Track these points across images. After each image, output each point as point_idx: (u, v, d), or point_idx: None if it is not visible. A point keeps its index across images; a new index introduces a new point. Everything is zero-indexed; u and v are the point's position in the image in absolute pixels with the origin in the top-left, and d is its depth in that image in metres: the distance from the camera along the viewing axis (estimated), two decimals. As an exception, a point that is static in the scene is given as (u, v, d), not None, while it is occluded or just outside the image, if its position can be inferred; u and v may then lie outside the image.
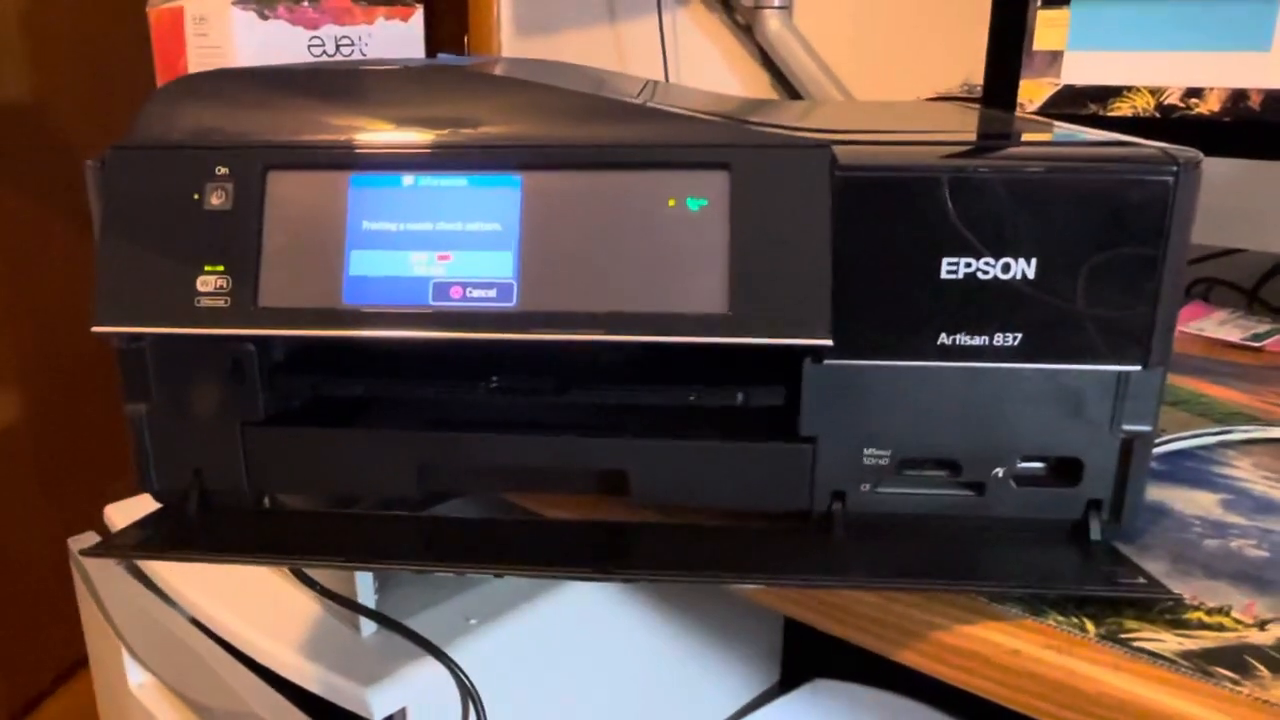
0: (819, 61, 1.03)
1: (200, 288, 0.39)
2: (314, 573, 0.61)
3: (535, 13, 1.36)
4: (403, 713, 0.56)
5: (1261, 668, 0.33)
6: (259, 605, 0.63)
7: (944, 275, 0.38)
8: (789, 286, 0.37)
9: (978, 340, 0.38)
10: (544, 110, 0.41)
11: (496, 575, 0.61)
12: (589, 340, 0.38)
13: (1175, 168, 0.37)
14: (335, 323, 0.39)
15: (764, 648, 0.86)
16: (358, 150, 0.40)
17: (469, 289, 0.39)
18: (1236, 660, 0.33)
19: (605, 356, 0.45)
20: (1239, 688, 0.32)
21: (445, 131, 0.41)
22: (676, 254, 0.38)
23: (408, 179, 0.40)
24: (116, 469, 1.46)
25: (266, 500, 0.45)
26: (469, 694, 0.57)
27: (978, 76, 0.78)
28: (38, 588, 1.41)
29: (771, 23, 1.05)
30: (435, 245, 0.39)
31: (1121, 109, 0.70)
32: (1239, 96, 0.66)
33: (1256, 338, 0.69)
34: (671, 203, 0.38)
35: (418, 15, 0.86)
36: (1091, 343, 0.38)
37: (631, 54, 1.25)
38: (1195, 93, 0.67)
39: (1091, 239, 0.37)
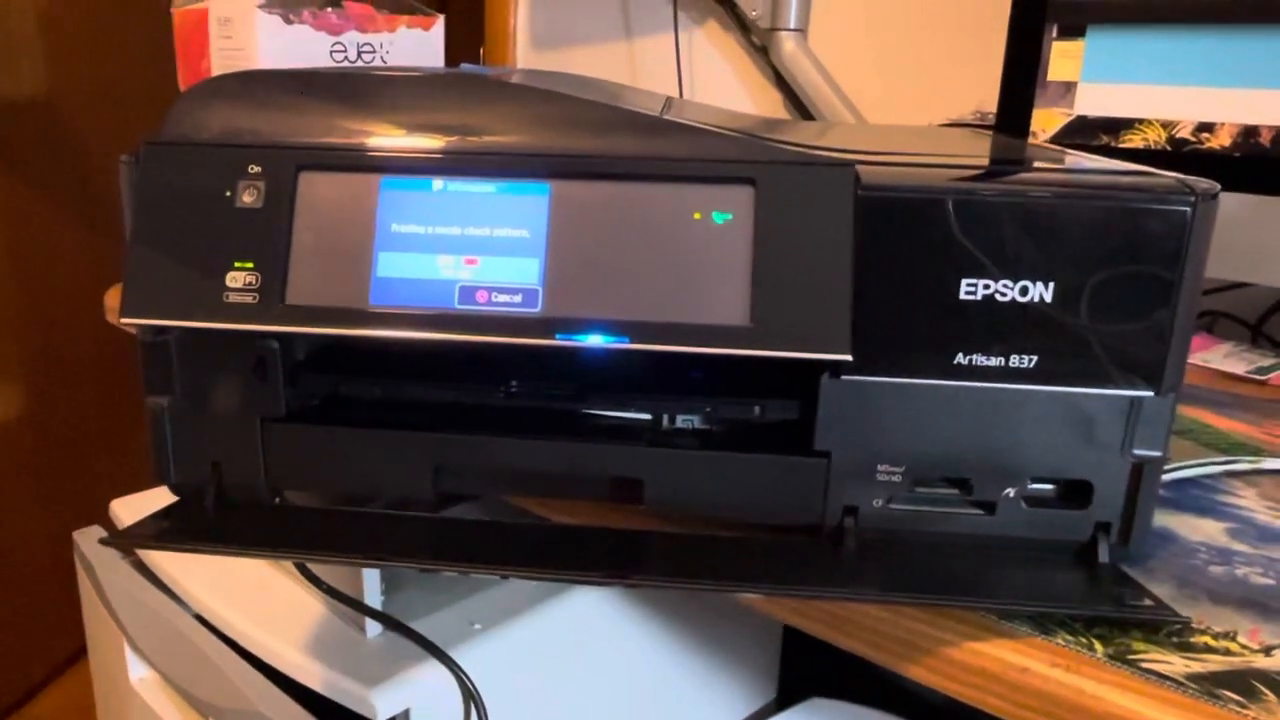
0: (833, 84, 1.04)
1: (229, 283, 0.40)
2: (321, 573, 0.62)
3: (551, 26, 1.37)
4: (406, 714, 0.56)
5: (1268, 692, 0.34)
6: (265, 604, 0.64)
7: (963, 296, 0.38)
8: (810, 302, 0.38)
9: (993, 361, 0.39)
10: (573, 121, 0.42)
11: (502, 576, 0.61)
12: (611, 348, 0.39)
13: (1193, 198, 0.37)
14: (361, 323, 0.39)
15: (762, 664, 0.86)
16: (388, 154, 0.41)
17: (494, 294, 0.39)
18: (1243, 684, 0.34)
19: (625, 365, 0.46)
20: (1245, 711, 0.33)
21: (475, 138, 0.41)
22: (700, 266, 0.39)
23: (437, 183, 0.40)
24: (117, 465, 1.46)
25: (277, 499, 0.46)
26: (471, 697, 0.57)
27: (990, 104, 0.79)
28: (36, 582, 1.41)
29: (787, 45, 1.06)
30: (462, 249, 0.40)
31: (1133, 141, 0.71)
32: (1250, 132, 0.67)
33: (1261, 371, 0.69)
34: (697, 215, 0.39)
35: (439, 24, 0.87)
36: (1105, 367, 0.39)
37: (645, 71, 1.27)
38: (1207, 127, 0.68)
39: (1109, 266, 0.38)
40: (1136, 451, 0.40)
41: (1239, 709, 0.33)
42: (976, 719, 0.43)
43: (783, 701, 0.88)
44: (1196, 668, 0.35)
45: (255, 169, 0.41)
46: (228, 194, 0.41)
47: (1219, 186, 0.38)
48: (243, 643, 0.63)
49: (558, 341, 0.39)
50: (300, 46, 0.78)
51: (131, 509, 0.80)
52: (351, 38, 0.81)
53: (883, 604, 0.39)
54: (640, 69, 1.27)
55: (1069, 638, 0.37)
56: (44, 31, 1.34)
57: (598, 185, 0.39)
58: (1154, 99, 0.70)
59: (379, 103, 0.43)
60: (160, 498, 0.45)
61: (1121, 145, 0.72)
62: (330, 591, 0.61)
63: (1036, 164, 0.45)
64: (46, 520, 1.40)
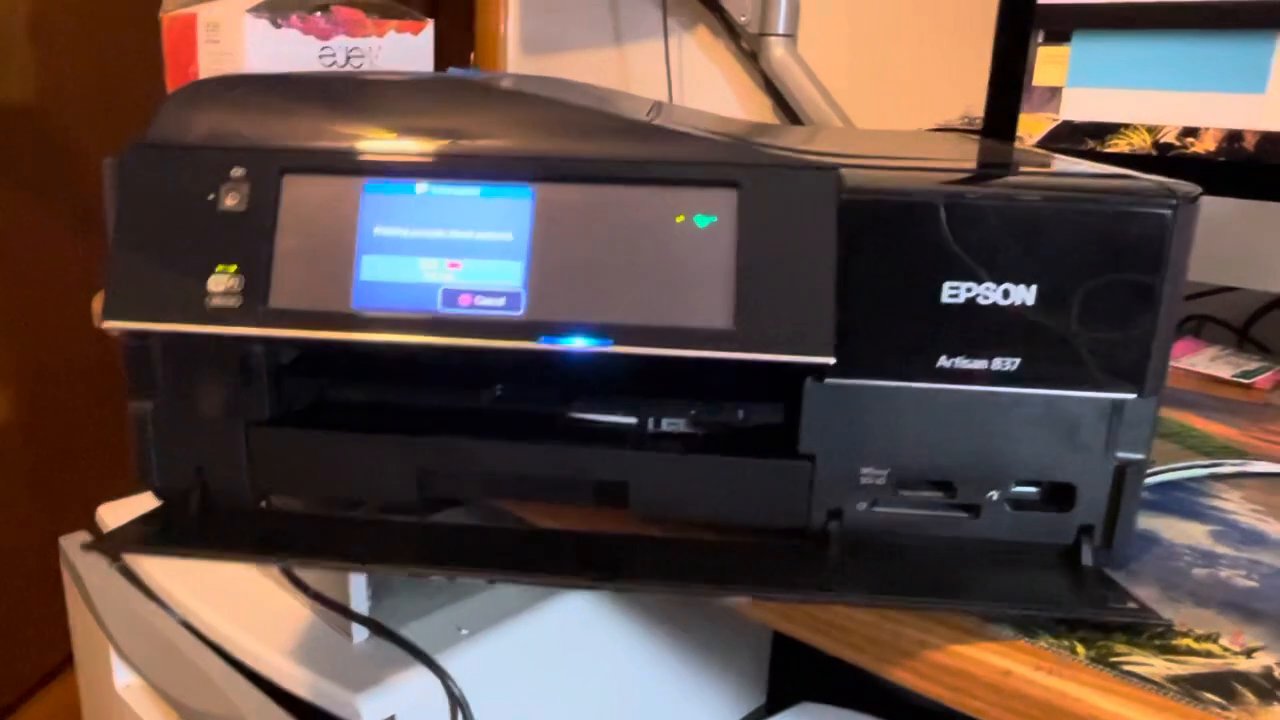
0: (821, 89, 1.04)
1: (212, 287, 0.40)
2: (307, 578, 0.61)
3: (541, 32, 1.38)
4: (392, 720, 0.56)
5: (1249, 694, 0.34)
6: (250, 609, 0.63)
7: (945, 299, 0.38)
8: (793, 304, 0.38)
9: (976, 364, 0.39)
10: (557, 124, 0.42)
11: (489, 581, 0.61)
12: (594, 351, 0.39)
13: (1174, 201, 0.37)
14: (344, 326, 0.39)
15: (751, 670, 0.86)
16: (372, 157, 0.41)
17: (478, 296, 0.39)
18: (1225, 686, 0.34)
19: (609, 369, 0.46)
20: (1226, 713, 0.33)
21: (459, 142, 0.41)
22: (684, 269, 0.39)
23: (421, 187, 0.40)
24: (108, 471, 1.46)
25: (262, 503, 0.45)
26: (458, 703, 0.57)
27: (978, 109, 0.80)
28: (22, 588, 1.40)
29: (776, 50, 1.06)
30: (446, 253, 0.40)
31: (1119, 145, 0.72)
32: (1234, 137, 0.67)
33: (1246, 375, 0.70)
34: (680, 219, 0.39)
35: (428, 29, 0.86)
36: (1088, 370, 0.39)
37: (636, 76, 1.27)
38: (1191, 132, 0.68)
39: (1091, 269, 0.38)
40: (1119, 454, 0.40)
41: (1220, 710, 0.33)
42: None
43: (772, 707, 0.87)
44: (1178, 670, 0.35)
45: (239, 172, 0.41)
46: (211, 197, 0.40)
47: (1200, 189, 0.38)
48: (229, 649, 0.62)
49: (541, 345, 0.39)
50: (289, 51, 0.78)
51: (118, 514, 0.80)
52: (340, 43, 0.81)
53: (867, 607, 0.39)
54: (630, 74, 1.27)
55: (1052, 640, 0.37)
56: (35, 36, 1.33)
57: (581, 188, 0.39)
58: (1139, 104, 0.70)
59: (363, 106, 0.43)
60: (147, 503, 0.45)
61: (1107, 150, 0.72)
62: (316, 597, 0.61)
63: (1020, 168, 0.45)
64: (36, 526, 1.39)
